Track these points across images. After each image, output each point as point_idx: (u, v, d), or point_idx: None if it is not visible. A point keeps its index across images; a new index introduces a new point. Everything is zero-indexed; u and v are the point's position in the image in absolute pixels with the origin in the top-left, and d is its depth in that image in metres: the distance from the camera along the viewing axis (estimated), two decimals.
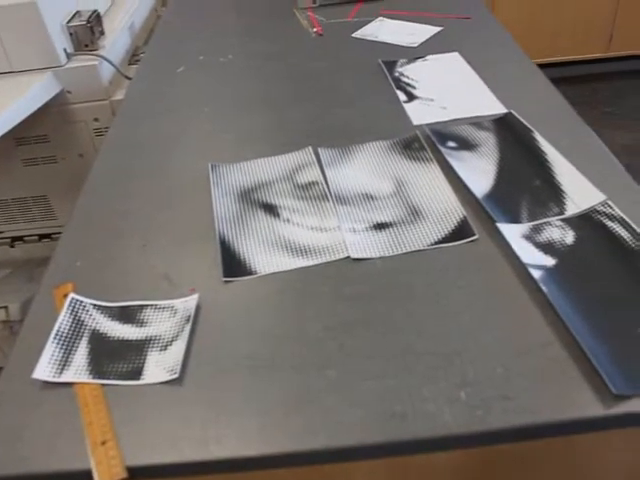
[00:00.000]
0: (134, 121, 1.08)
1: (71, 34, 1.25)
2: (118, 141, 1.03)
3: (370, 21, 1.35)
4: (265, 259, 0.72)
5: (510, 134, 0.90)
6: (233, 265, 0.72)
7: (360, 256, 0.71)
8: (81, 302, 0.69)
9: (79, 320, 0.67)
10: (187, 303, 0.67)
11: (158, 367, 0.60)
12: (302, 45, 1.30)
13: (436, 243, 0.72)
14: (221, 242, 0.75)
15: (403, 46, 1.23)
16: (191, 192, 0.86)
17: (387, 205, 0.79)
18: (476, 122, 0.94)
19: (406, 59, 1.16)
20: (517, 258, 0.68)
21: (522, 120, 0.91)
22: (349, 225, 0.76)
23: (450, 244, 0.72)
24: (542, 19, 2.63)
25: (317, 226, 0.77)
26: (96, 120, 1.29)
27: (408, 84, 1.07)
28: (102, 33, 1.32)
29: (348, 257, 0.71)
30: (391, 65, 1.14)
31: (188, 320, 0.65)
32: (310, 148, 0.91)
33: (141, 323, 0.66)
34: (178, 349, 0.62)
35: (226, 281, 0.70)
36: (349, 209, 0.79)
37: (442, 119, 0.96)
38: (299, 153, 0.91)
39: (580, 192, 0.77)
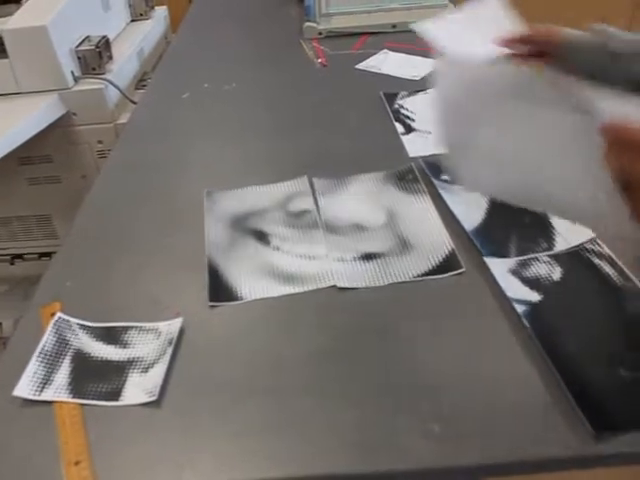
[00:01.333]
0: (136, 144, 1.10)
1: (79, 58, 1.28)
2: (119, 163, 1.05)
3: (374, 53, 1.37)
4: (252, 285, 0.73)
5: None
6: (220, 290, 0.72)
7: (346, 285, 0.71)
8: (67, 321, 0.69)
9: (63, 339, 0.67)
10: (171, 326, 0.67)
11: (137, 389, 0.60)
12: (306, 75, 1.32)
13: (423, 275, 0.72)
14: (210, 267, 0.76)
15: (406, 78, 1.24)
16: (187, 217, 0.87)
17: (377, 236, 0.79)
18: None
19: (407, 92, 1.17)
20: (503, 292, 0.68)
21: None
22: (337, 254, 0.76)
23: (437, 276, 0.72)
24: None
25: (306, 254, 0.77)
26: (100, 142, 1.31)
27: (407, 116, 1.08)
28: (110, 58, 1.35)
29: (334, 286, 0.72)
30: (392, 97, 1.16)
31: (170, 343, 0.65)
32: (305, 177, 0.92)
33: (124, 344, 0.66)
34: (159, 372, 0.62)
35: (212, 306, 0.71)
36: (339, 238, 0.79)
37: (438, 152, 0.97)
38: (294, 182, 0.92)
39: (570, 229, 0.77)
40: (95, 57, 1.28)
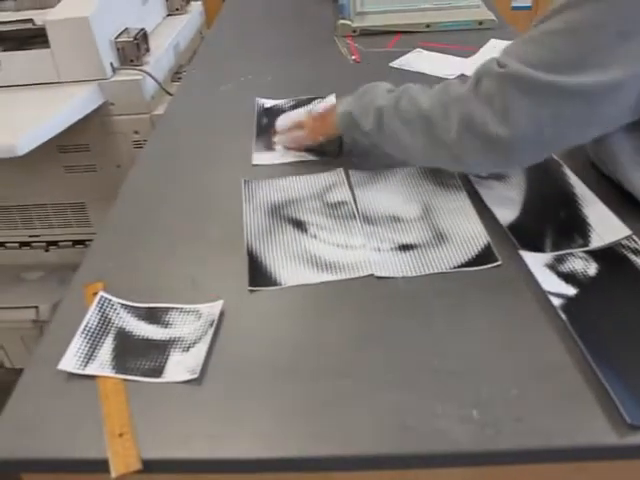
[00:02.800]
0: (172, 135, 1.12)
1: (118, 49, 1.31)
2: (155, 152, 1.07)
3: (408, 52, 1.38)
4: (290, 272, 0.74)
5: (539, 166, 0.91)
6: (259, 276, 0.74)
7: (384, 275, 0.72)
8: (110, 300, 0.71)
9: (107, 317, 0.69)
10: (212, 308, 0.69)
11: (179, 367, 0.62)
12: (340, 71, 1.33)
13: (459, 267, 0.73)
14: (249, 253, 0.77)
15: (439, 77, 1.25)
16: (223, 205, 0.89)
17: (413, 228, 0.80)
18: None
19: None
20: (538, 285, 0.69)
21: (552, 154, 0.92)
22: (374, 244, 0.77)
23: (473, 268, 0.73)
24: None
25: (343, 243, 0.78)
26: (136, 133, 1.34)
27: None
28: (148, 50, 1.37)
29: (372, 275, 0.73)
30: None
31: (212, 324, 0.66)
32: (342, 169, 0.93)
33: (166, 324, 0.68)
34: (200, 351, 0.63)
35: (251, 290, 0.72)
36: (375, 229, 0.80)
37: None
38: (330, 173, 0.93)
39: (605, 226, 0.77)
40: (133, 49, 1.31)
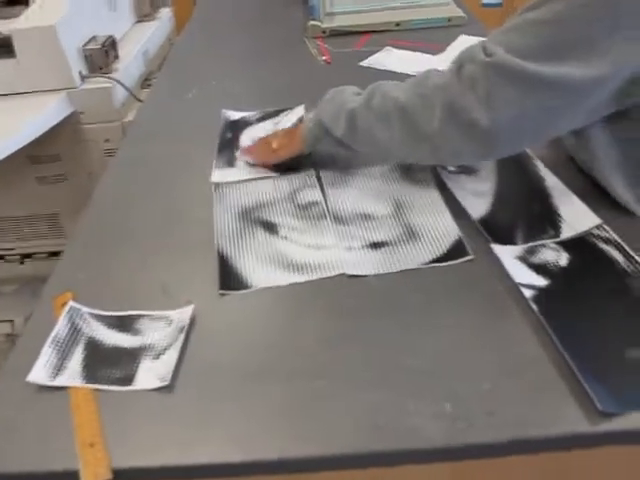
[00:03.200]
0: (142, 142, 1.11)
1: (86, 57, 1.29)
2: (125, 160, 1.06)
3: (378, 51, 1.38)
4: (261, 274, 0.74)
5: (510, 159, 0.91)
6: (229, 279, 0.73)
7: (355, 273, 0.72)
8: (79, 310, 0.70)
9: (76, 327, 0.68)
10: (182, 314, 0.68)
11: (149, 374, 0.61)
12: (310, 72, 1.33)
13: (430, 262, 0.73)
14: (219, 256, 0.77)
15: (409, 74, 1.25)
16: (193, 211, 0.88)
17: (384, 225, 0.80)
18: None
19: None
20: (510, 278, 0.69)
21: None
22: (346, 243, 0.77)
23: (444, 263, 0.73)
24: None
25: (314, 244, 0.78)
26: (107, 141, 1.33)
27: None
28: (116, 57, 1.36)
29: (343, 274, 0.72)
30: None
31: (182, 330, 0.66)
32: (313, 170, 0.93)
33: (136, 332, 0.67)
34: (170, 358, 0.62)
35: (222, 294, 0.71)
36: (346, 228, 0.80)
37: None
38: (301, 175, 0.93)
39: (576, 216, 0.78)
40: (102, 56, 1.30)
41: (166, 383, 0.60)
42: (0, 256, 1.53)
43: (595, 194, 0.81)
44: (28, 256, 1.52)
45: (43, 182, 1.39)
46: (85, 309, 0.70)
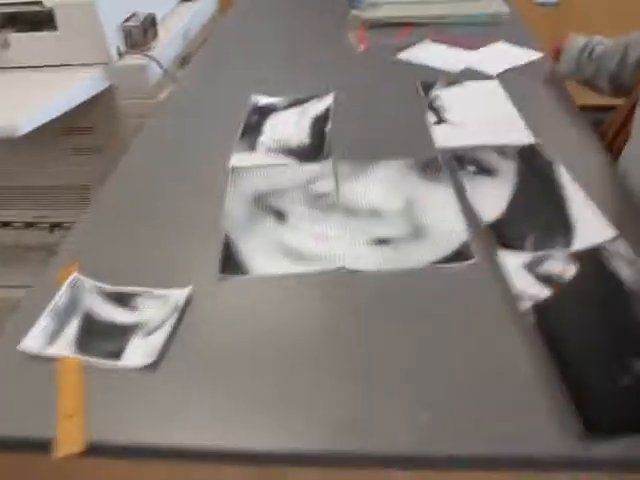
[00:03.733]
0: (171, 119, 1.12)
1: (125, 34, 1.31)
2: (151, 138, 1.07)
3: (416, 43, 1.36)
4: (262, 261, 0.73)
5: (531, 163, 0.89)
6: (231, 263, 0.73)
7: (355, 267, 0.71)
8: (82, 281, 0.71)
9: (76, 298, 0.69)
10: (179, 294, 0.68)
11: (137, 351, 0.62)
12: (347, 60, 1.32)
13: (433, 263, 0.72)
14: (225, 240, 0.77)
15: (445, 70, 1.23)
16: (211, 191, 0.88)
17: (392, 221, 0.79)
18: (500, 149, 0.93)
19: (445, 83, 1.16)
20: (511, 286, 0.67)
21: (546, 152, 0.90)
22: (351, 237, 0.76)
23: (447, 265, 0.71)
24: None
25: (320, 234, 0.77)
26: (140, 117, 1.33)
27: (441, 107, 1.07)
28: (155, 35, 1.37)
29: (343, 267, 0.72)
30: (428, 87, 1.15)
31: (176, 310, 0.66)
32: (330, 161, 0.92)
33: (134, 308, 0.68)
34: (160, 337, 0.63)
35: (222, 278, 0.72)
36: (355, 221, 0.79)
37: (467, 143, 0.95)
38: (319, 164, 0.92)
39: (591, 227, 0.75)
40: (140, 34, 1.31)
41: (151, 360, 0.60)
42: (31, 223, 1.56)
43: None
44: (58, 225, 1.55)
45: (76, 153, 1.41)
46: (88, 281, 0.72)
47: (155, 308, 0.68)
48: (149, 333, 0.64)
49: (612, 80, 1.07)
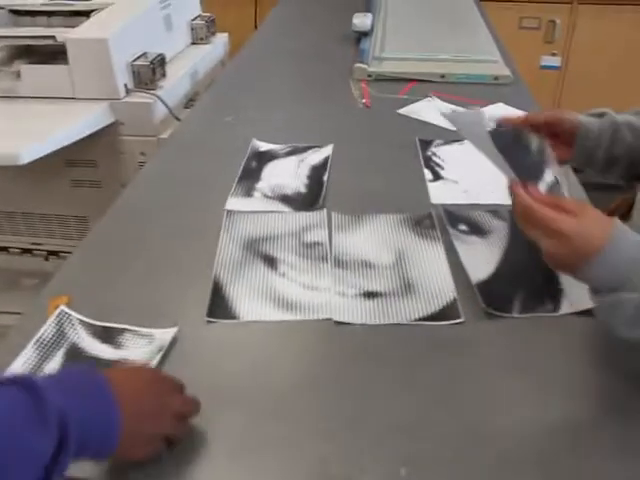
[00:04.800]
0: (172, 158, 1.14)
1: (134, 72, 1.34)
2: (152, 175, 1.09)
3: (418, 100, 1.39)
4: (251, 307, 0.74)
5: None
6: (219, 307, 0.74)
7: (342, 320, 0.72)
8: (69, 315, 0.72)
9: (62, 331, 0.70)
10: (165, 334, 0.69)
11: None
12: (348, 114, 1.34)
13: (420, 319, 0.72)
14: (214, 283, 0.77)
15: (444, 127, 1.25)
16: (204, 233, 0.89)
17: (382, 275, 0.80)
18: (494, 210, 0.94)
19: (443, 140, 1.18)
20: (497, 347, 0.67)
21: None
22: (340, 288, 0.77)
23: (434, 323, 0.72)
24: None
25: (309, 284, 0.78)
26: (142, 154, 1.36)
27: (437, 164, 1.09)
28: (163, 75, 1.41)
29: (331, 319, 0.72)
30: (426, 144, 1.17)
31: (160, 350, 0.66)
32: (325, 210, 0.94)
33: (118, 345, 0.68)
34: None
35: (209, 321, 0.72)
36: (345, 273, 0.80)
37: (461, 202, 0.97)
38: (313, 213, 0.93)
39: (579, 293, 0.76)
40: (148, 73, 1.34)
41: None
42: (28, 250, 1.57)
43: None
44: (54, 253, 1.56)
45: (77, 185, 1.43)
46: (75, 314, 0.72)
47: (140, 347, 0.68)
48: None
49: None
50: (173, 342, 0.68)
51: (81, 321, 0.71)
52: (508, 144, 0.77)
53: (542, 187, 0.74)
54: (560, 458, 0.56)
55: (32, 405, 0.46)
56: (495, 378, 0.64)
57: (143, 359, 0.66)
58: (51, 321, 0.71)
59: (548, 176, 0.76)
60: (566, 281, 0.78)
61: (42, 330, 0.69)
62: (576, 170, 1.06)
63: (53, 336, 0.69)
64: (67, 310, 0.72)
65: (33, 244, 1.56)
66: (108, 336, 0.70)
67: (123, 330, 0.70)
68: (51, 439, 0.45)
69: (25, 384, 0.47)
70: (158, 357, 0.66)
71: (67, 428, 0.46)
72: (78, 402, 0.49)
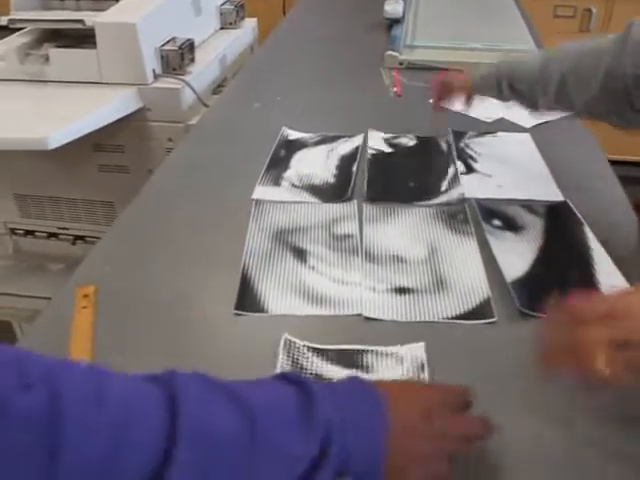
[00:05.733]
0: (200, 146, 1.13)
1: (162, 57, 1.33)
2: (179, 162, 1.08)
3: None
4: (279, 300, 0.73)
5: (560, 223, 0.88)
6: (248, 300, 0.72)
7: (372, 316, 0.70)
8: (294, 343, 0.66)
9: (297, 361, 0.64)
10: (413, 350, 0.65)
11: None
12: (378, 103, 1.31)
13: (452, 318, 0.70)
14: (243, 275, 0.76)
15: (477, 119, 1.22)
16: (233, 221, 0.88)
17: (414, 270, 0.78)
18: (528, 205, 0.92)
19: (476, 132, 1.16)
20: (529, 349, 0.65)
21: (575, 211, 0.89)
22: (370, 283, 0.75)
23: (466, 322, 0.70)
24: None
25: (339, 278, 0.76)
26: (170, 140, 1.35)
27: (470, 156, 1.07)
28: (192, 60, 1.39)
29: (360, 315, 0.71)
30: (459, 135, 1.14)
31: (423, 368, 0.63)
32: (355, 202, 0.92)
33: (365, 369, 0.63)
34: None
35: (237, 314, 0.71)
36: (376, 267, 0.78)
37: (494, 196, 0.94)
38: (343, 205, 0.91)
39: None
40: (177, 58, 1.33)
41: None
42: (55, 234, 1.57)
43: None
44: (80, 238, 1.56)
45: (104, 170, 1.43)
46: (299, 342, 0.66)
47: (391, 367, 0.63)
48: None
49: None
50: (202, 337, 0.67)
51: (309, 347, 0.66)
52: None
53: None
54: (590, 464, 0.54)
55: (302, 406, 0.43)
56: (525, 379, 0.62)
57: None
58: (282, 353, 0.65)
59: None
60: (603, 280, 0.76)
61: (278, 366, 0.64)
62: (612, 162, 1.04)
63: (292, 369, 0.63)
64: (291, 338, 0.67)
65: (59, 228, 1.57)
66: (348, 360, 0.64)
67: (361, 351, 0.65)
68: (312, 447, 0.41)
69: (298, 382, 0.45)
70: (425, 376, 0.62)
71: (330, 442, 0.42)
72: (348, 416, 0.44)
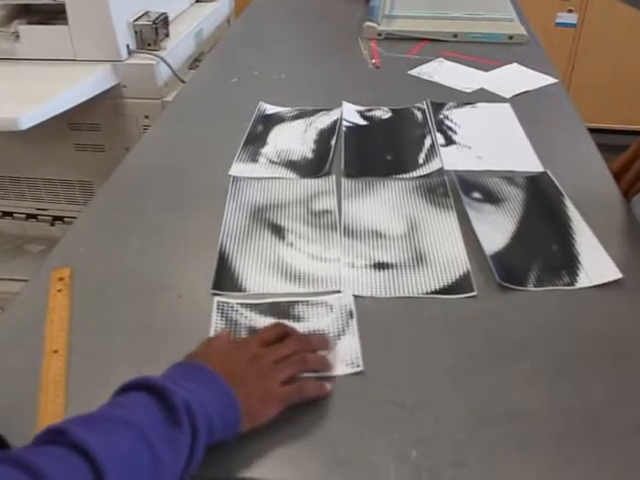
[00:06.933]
0: (175, 122, 1.11)
1: (136, 32, 1.30)
2: (155, 140, 1.05)
3: (429, 60, 1.34)
4: (258, 279, 0.72)
5: (539, 194, 0.87)
6: (225, 279, 0.72)
7: (352, 293, 0.70)
8: (227, 303, 0.68)
9: (232, 320, 0.66)
10: (340, 300, 0.68)
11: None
12: (357, 74, 1.30)
13: (432, 293, 0.70)
14: (220, 254, 0.75)
15: (457, 89, 1.21)
16: (209, 200, 0.87)
17: (394, 246, 0.77)
18: (508, 176, 0.91)
19: (455, 103, 1.14)
20: (510, 322, 0.65)
21: (556, 182, 0.89)
22: (349, 259, 0.75)
23: (446, 296, 0.69)
24: (624, 85, 2.56)
25: (318, 255, 0.76)
26: (146, 117, 1.33)
27: (450, 128, 1.06)
28: (167, 35, 1.36)
29: (339, 291, 0.70)
30: (438, 107, 1.13)
31: (351, 315, 0.66)
32: (333, 177, 0.91)
33: (297, 319, 0.66)
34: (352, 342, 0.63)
35: (214, 293, 0.70)
36: (354, 243, 0.77)
37: (474, 168, 0.94)
38: (321, 180, 0.90)
39: (596, 266, 0.73)
40: (151, 33, 1.30)
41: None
42: (33, 215, 1.55)
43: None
44: (59, 219, 1.54)
45: (80, 149, 1.40)
46: (233, 301, 0.69)
47: (322, 315, 0.66)
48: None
49: None
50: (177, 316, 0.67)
51: (243, 304, 0.68)
52: None
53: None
54: (576, 438, 0.54)
55: (164, 408, 0.46)
56: (508, 355, 0.62)
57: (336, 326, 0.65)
58: (214, 315, 0.67)
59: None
60: (584, 252, 0.75)
61: (212, 327, 0.65)
62: (591, 130, 1.04)
63: (226, 328, 0.65)
64: (223, 299, 0.69)
65: (38, 209, 1.54)
66: (281, 311, 0.67)
67: (293, 303, 0.68)
68: (186, 436, 0.46)
69: (149, 387, 0.48)
70: (354, 323, 0.65)
71: (195, 417, 0.47)
72: (193, 386, 0.49)
